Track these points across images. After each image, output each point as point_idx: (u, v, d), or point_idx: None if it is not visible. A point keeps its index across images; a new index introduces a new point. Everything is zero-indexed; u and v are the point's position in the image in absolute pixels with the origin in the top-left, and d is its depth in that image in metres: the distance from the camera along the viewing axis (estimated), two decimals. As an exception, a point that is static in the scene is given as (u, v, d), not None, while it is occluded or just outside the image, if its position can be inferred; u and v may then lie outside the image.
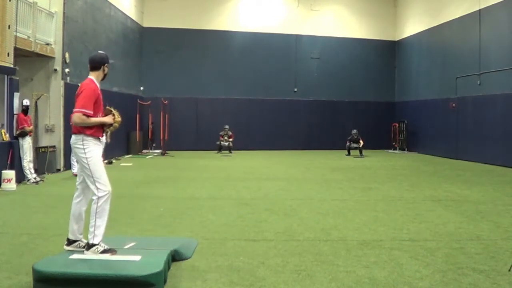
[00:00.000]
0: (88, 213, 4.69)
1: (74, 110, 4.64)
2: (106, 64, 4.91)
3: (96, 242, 4.55)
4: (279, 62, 23.32)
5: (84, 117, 4.59)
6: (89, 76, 4.86)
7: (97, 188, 4.59)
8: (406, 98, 23.19)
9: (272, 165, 15.90)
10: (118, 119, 5.01)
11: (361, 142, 19.46)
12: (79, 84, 4.90)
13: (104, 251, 4.55)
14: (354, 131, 19.75)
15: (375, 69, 24.19)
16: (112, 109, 4.99)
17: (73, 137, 4.72)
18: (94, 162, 4.63)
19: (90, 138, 4.66)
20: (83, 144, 4.64)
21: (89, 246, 4.57)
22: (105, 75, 4.96)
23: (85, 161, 4.63)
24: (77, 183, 4.84)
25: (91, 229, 4.55)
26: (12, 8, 11.08)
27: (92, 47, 15.65)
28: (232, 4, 23.30)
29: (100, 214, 4.57)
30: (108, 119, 4.87)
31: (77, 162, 4.83)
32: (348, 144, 19.74)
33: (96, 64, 4.86)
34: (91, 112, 4.63)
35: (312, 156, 19.52)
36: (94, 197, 4.59)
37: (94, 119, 4.67)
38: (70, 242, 4.78)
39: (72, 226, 4.76)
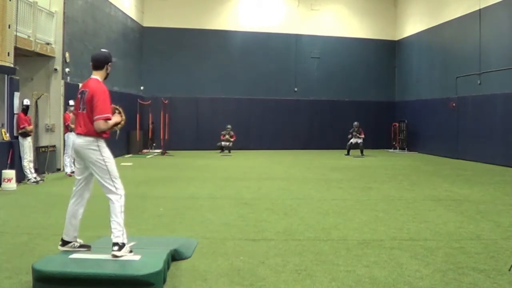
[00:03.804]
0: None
1: (96, 117, 4.55)
2: (109, 63, 4.84)
3: (126, 241, 4.51)
4: (279, 62, 23.31)
5: (107, 122, 4.60)
6: (94, 76, 4.77)
7: (117, 188, 4.59)
8: (406, 97, 23.19)
9: (272, 164, 15.90)
10: (124, 117, 4.96)
11: (362, 135, 19.41)
12: (80, 84, 4.85)
13: (130, 251, 4.54)
14: (356, 123, 19.65)
15: (375, 69, 24.19)
16: (118, 107, 4.95)
17: (83, 139, 4.61)
18: (111, 162, 4.65)
19: (103, 140, 4.66)
20: (98, 146, 4.61)
21: (119, 246, 4.44)
22: (107, 75, 4.88)
23: (103, 162, 4.59)
24: (75, 186, 4.76)
25: (120, 230, 4.48)
26: (12, 7, 11.08)
27: (92, 46, 15.66)
28: (232, 4, 23.29)
29: (123, 213, 4.56)
30: (117, 118, 4.84)
31: (79, 163, 4.76)
32: (350, 136, 19.48)
33: (100, 63, 4.79)
34: (111, 116, 4.65)
35: (312, 155, 19.52)
36: (116, 197, 4.55)
37: (112, 122, 4.68)
38: (64, 243, 4.73)
39: (68, 227, 4.72)
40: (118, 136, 5.09)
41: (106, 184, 4.59)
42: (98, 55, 4.87)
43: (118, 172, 4.71)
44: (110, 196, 4.57)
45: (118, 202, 4.55)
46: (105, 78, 4.87)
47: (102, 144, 4.65)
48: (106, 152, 4.65)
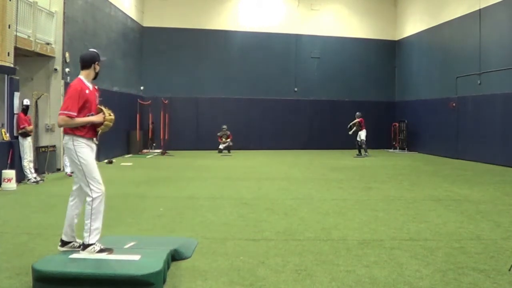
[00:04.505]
0: (83, 214, 4.69)
1: (59, 112, 4.62)
2: (97, 62, 4.83)
3: (92, 242, 4.55)
4: (279, 62, 23.32)
5: (67, 118, 4.54)
6: (79, 76, 4.80)
7: (91, 190, 4.58)
8: (406, 97, 23.19)
9: (272, 164, 15.90)
10: (110, 117, 4.82)
11: (356, 120, 19.22)
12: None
13: (101, 251, 4.55)
14: (358, 113, 19.54)
15: (375, 69, 24.20)
16: (103, 108, 4.83)
17: (65, 137, 4.68)
18: (87, 163, 4.60)
19: (81, 139, 4.62)
20: (73, 145, 4.61)
21: (85, 246, 4.56)
22: (96, 74, 4.88)
23: (78, 162, 4.60)
24: (73, 185, 4.80)
25: (87, 230, 4.55)
26: (12, 7, 11.08)
27: (92, 46, 15.59)
28: (232, 4, 23.29)
29: (96, 215, 4.57)
30: (97, 118, 4.73)
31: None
32: (352, 128, 19.41)
33: (85, 63, 4.80)
34: (74, 114, 4.55)
35: (312, 155, 19.52)
36: (89, 199, 4.57)
37: (80, 120, 4.59)
38: (64, 243, 4.76)
39: (66, 227, 4.74)
40: (98, 137, 4.91)
41: (82, 184, 4.63)
42: (85, 55, 4.90)
43: (102, 173, 4.69)
44: (86, 196, 4.63)
45: (89, 205, 4.57)
46: (95, 78, 4.89)
47: (79, 144, 4.61)
48: (82, 152, 4.61)
